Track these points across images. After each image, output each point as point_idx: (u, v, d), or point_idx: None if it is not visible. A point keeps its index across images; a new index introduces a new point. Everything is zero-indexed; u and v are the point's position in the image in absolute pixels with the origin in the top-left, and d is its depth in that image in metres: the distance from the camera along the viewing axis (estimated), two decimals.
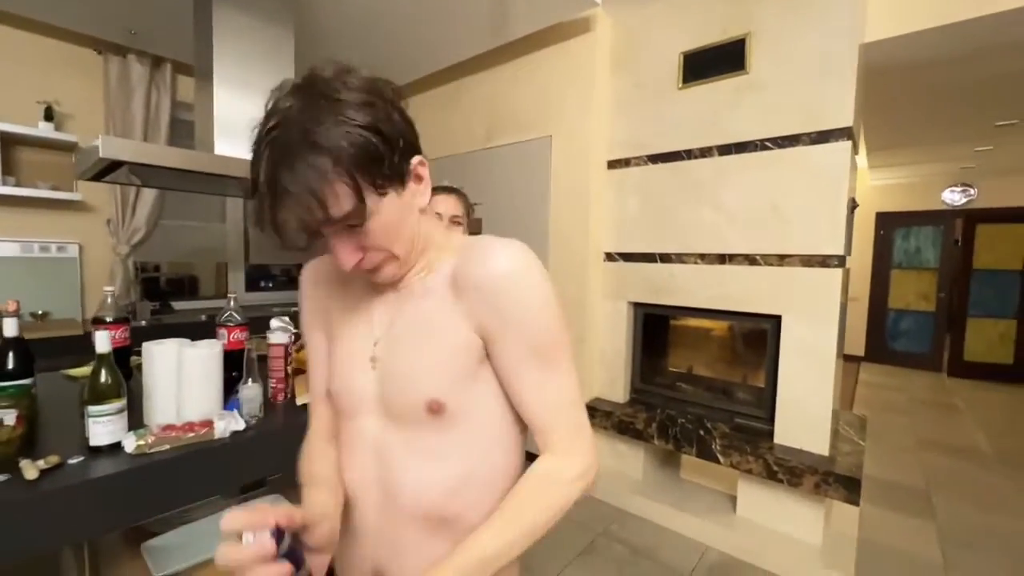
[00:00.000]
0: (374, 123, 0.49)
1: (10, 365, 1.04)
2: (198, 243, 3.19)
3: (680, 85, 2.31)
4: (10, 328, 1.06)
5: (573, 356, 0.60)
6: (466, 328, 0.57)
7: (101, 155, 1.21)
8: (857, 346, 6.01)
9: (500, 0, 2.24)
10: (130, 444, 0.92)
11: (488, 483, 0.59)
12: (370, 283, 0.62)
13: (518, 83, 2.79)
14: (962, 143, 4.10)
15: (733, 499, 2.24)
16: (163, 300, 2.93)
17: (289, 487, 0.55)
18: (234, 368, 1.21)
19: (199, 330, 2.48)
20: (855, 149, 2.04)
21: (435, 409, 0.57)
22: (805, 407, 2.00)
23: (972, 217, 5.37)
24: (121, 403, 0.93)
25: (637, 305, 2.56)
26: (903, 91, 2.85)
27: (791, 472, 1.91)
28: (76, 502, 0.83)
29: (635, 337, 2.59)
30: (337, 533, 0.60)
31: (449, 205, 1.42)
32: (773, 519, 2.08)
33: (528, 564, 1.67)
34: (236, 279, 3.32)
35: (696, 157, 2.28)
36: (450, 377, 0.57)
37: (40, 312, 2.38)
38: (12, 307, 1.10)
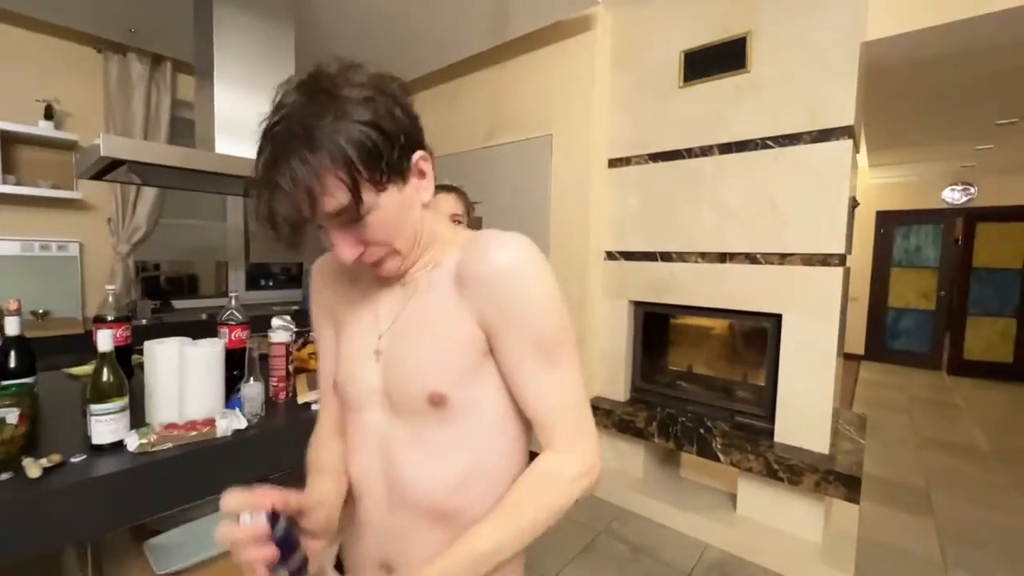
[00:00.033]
0: (374, 119, 0.49)
1: (12, 364, 1.05)
2: (198, 242, 3.19)
3: (681, 83, 2.31)
4: (12, 327, 1.07)
5: (577, 355, 0.59)
6: (469, 322, 0.57)
7: (102, 154, 1.21)
8: (857, 344, 6.02)
9: None
10: (133, 442, 0.92)
11: (491, 479, 0.59)
12: (377, 278, 0.63)
13: (519, 82, 2.79)
14: (963, 142, 4.09)
15: (733, 497, 2.25)
16: (163, 299, 2.93)
17: (292, 485, 0.56)
18: (235, 367, 1.21)
19: (200, 329, 2.47)
20: (856, 148, 2.04)
21: (437, 401, 0.57)
22: (805, 406, 2.00)
23: (972, 216, 5.37)
24: (123, 402, 0.93)
25: (638, 304, 2.56)
26: (904, 89, 2.85)
27: (791, 470, 1.91)
28: (79, 500, 0.83)
29: (635, 336, 2.59)
30: (335, 520, 0.61)
31: (449, 204, 1.43)
32: (773, 517, 2.08)
33: (529, 562, 1.67)
34: (236, 278, 3.32)
35: (697, 156, 2.28)
36: (452, 370, 0.57)
37: (41, 311, 2.38)
38: (14, 306, 1.10)
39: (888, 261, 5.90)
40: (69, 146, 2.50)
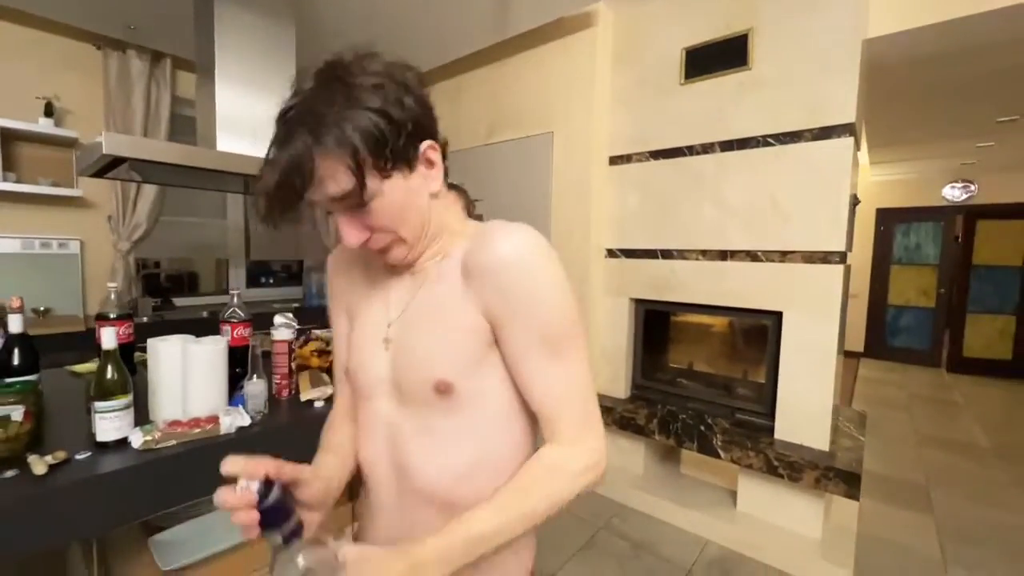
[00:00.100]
0: (382, 106, 0.50)
1: (16, 361, 1.05)
2: (199, 239, 3.19)
3: (682, 81, 2.30)
4: (15, 324, 1.07)
5: (586, 347, 0.59)
6: (474, 312, 0.57)
7: (104, 151, 1.20)
8: (857, 342, 6.03)
9: None
10: (137, 440, 0.93)
11: (497, 469, 0.59)
12: (389, 267, 0.64)
13: (520, 79, 2.79)
14: (963, 139, 4.09)
15: (733, 494, 2.26)
16: (164, 296, 2.93)
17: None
18: (238, 364, 1.22)
19: (200, 326, 2.47)
20: (857, 145, 2.04)
21: (443, 390, 0.57)
22: (806, 403, 2.01)
23: (972, 213, 5.37)
24: (127, 399, 0.94)
25: (638, 301, 2.57)
26: (904, 87, 2.85)
27: (791, 467, 1.92)
28: (84, 497, 0.83)
29: (636, 333, 2.59)
30: (332, 492, 0.63)
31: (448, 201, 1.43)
32: (773, 513, 2.09)
33: None
34: (237, 275, 3.32)
35: (698, 153, 2.28)
36: (459, 359, 0.57)
37: (42, 308, 2.38)
38: (16, 304, 1.10)
39: (888, 258, 5.90)
40: (69, 143, 2.49)
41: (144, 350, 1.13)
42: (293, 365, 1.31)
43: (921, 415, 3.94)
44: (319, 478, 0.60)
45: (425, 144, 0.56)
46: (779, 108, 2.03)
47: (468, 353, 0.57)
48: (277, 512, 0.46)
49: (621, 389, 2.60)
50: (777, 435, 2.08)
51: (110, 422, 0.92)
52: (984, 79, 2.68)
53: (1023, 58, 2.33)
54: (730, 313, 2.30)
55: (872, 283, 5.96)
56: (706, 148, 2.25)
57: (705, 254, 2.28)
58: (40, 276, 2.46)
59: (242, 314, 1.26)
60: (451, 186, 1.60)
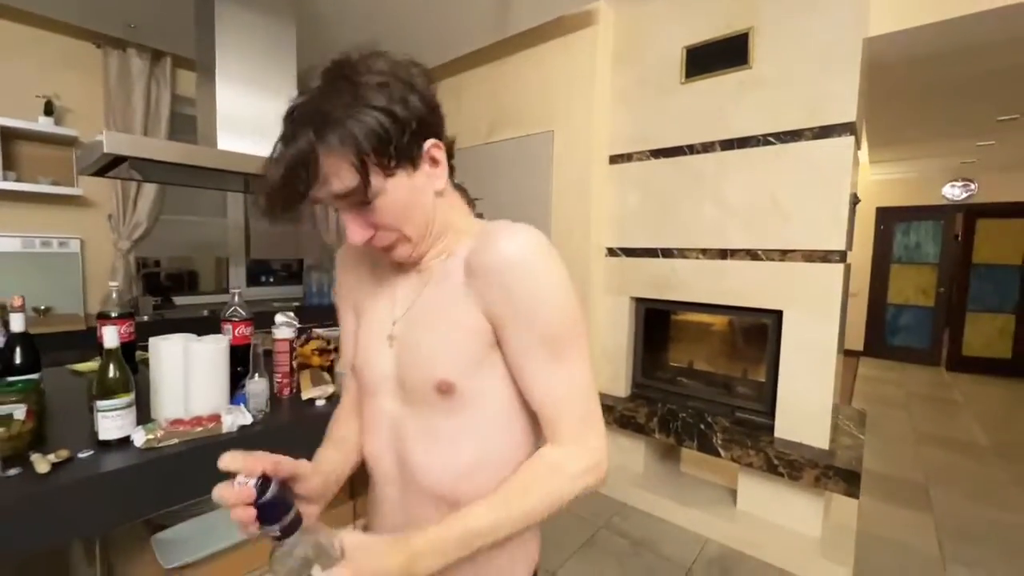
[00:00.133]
0: (387, 104, 0.50)
1: (18, 360, 1.05)
2: (199, 238, 3.18)
3: (683, 79, 2.30)
4: (17, 323, 1.07)
5: (588, 349, 0.59)
6: (476, 312, 0.57)
7: (106, 150, 1.21)
8: (856, 341, 6.03)
9: None
10: (139, 438, 0.93)
11: (499, 469, 0.60)
12: (396, 264, 0.64)
13: (520, 77, 2.78)
14: (963, 138, 4.09)
15: (733, 492, 2.26)
16: (164, 295, 2.93)
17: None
18: (239, 363, 1.22)
19: (201, 325, 2.48)
20: (857, 144, 2.04)
21: (445, 390, 0.57)
22: (806, 401, 2.01)
23: (972, 212, 5.37)
24: (129, 398, 0.94)
25: (639, 300, 2.57)
26: (904, 86, 2.85)
27: (791, 465, 1.93)
28: (87, 496, 0.84)
29: (637, 332, 2.60)
30: (330, 487, 0.63)
31: None
32: (773, 512, 2.10)
33: None
34: (237, 274, 3.32)
35: (698, 152, 2.28)
36: (460, 359, 0.58)
37: (42, 307, 2.38)
38: (18, 303, 1.10)
39: (888, 257, 5.90)
40: (69, 142, 2.49)
41: (145, 349, 1.13)
42: (294, 364, 1.31)
43: (920, 414, 3.94)
44: (318, 472, 0.61)
45: (429, 143, 0.56)
46: (779, 107, 2.03)
47: (470, 353, 0.57)
48: (275, 508, 0.47)
49: (621, 388, 2.61)
50: (777, 433, 2.08)
51: (112, 421, 0.92)
52: (984, 78, 2.68)
53: (1023, 57, 2.33)
54: (730, 312, 2.30)
55: (872, 282, 5.96)
56: (706, 147, 2.25)
57: (705, 253, 2.28)
58: (40, 275, 2.46)
59: (243, 313, 1.27)
60: (453, 185, 1.60)
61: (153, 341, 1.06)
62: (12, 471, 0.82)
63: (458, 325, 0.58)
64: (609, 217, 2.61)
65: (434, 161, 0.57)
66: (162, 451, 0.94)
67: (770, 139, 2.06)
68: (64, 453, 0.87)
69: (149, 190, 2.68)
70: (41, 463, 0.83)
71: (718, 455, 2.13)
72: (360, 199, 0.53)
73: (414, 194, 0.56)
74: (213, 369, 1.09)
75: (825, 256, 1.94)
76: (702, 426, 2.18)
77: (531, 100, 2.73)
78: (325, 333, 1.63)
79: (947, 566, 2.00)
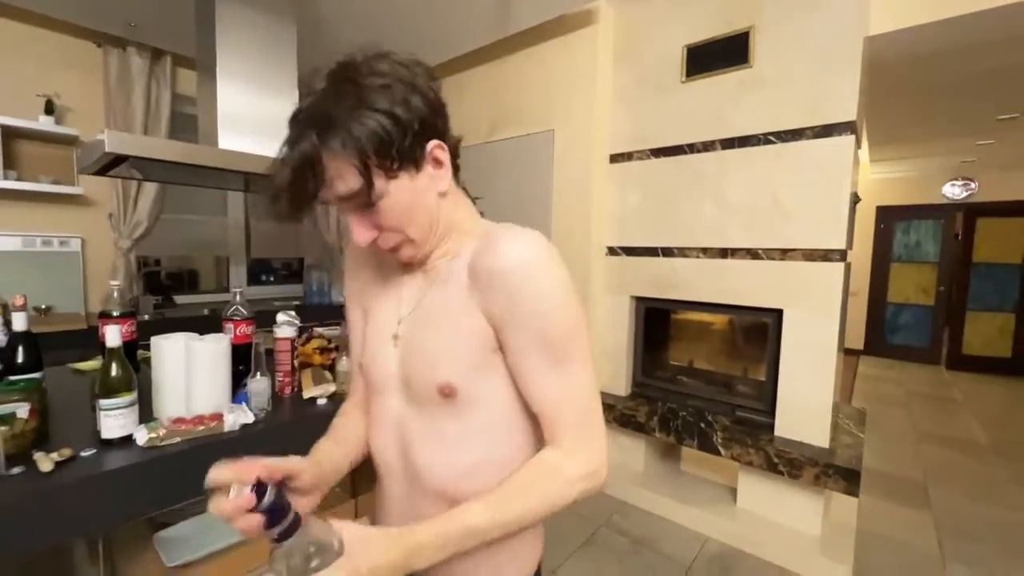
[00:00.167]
0: (389, 107, 0.50)
1: (20, 359, 1.05)
2: (199, 237, 3.18)
3: (683, 78, 2.30)
4: (19, 322, 1.07)
5: (590, 355, 0.59)
6: (478, 315, 0.57)
7: (107, 149, 1.21)
8: (856, 339, 6.04)
9: None
10: (142, 437, 0.93)
11: (500, 470, 0.60)
12: (403, 264, 0.65)
13: (521, 76, 2.78)
14: (964, 137, 4.09)
15: (733, 491, 2.27)
16: (165, 294, 2.93)
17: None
18: (240, 362, 1.22)
19: (202, 324, 2.48)
20: (858, 143, 2.04)
21: (447, 393, 0.58)
22: (806, 400, 2.02)
23: (972, 211, 5.38)
24: (132, 396, 0.94)
25: (639, 299, 2.57)
26: (904, 85, 2.84)
27: (791, 464, 1.93)
28: (90, 494, 0.84)
29: (637, 331, 2.60)
30: (324, 479, 0.62)
31: None
32: (773, 510, 2.10)
33: None
34: (238, 273, 3.32)
35: (699, 151, 2.28)
36: (463, 363, 0.58)
37: (43, 306, 2.38)
38: (20, 302, 1.10)
39: (888, 256, 5.91)
40: (70, 141, 2.49)
41: (146, 348, 1.13)
42: (296, 363, 1.31)
43: (920, 412, 3.95)
44: (313, 464, 0.60)
45: (432, 144, 0.56)
46: (780, 106, 2.03)
47: (472, 356, 0.58)
48: (274, 512, 0.46)
49: (622, 386, 2.61)
50: (777, 432, 2.09)
51: (115, 419, 0.92)
52: (984, 77, 2.68)
53: (1023, 56, 2.33)
54: (730, 311, 2.30)
55: (872, 281, 5.97)
56: (707, 146, 2.25)
57: (706, 252, 2.28)
58: (41, 274, 2.46)
59: (245, 312, 1.27)
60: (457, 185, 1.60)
61: (155, 340, 1.06)
62: (15, 469, 0.82)
63: (461, 328, 0.58)
64: (610, 216, 2.61)
65: (437, 162, 0.58)
66: (164, 450, 0.94)
67: (771, 138, 2.06)
68: (67, 452, 0.87)
69: (150, 189, 2.68)
70: (44, 462, 0.83)
71: (718, 454, 2.13)
72: (364, 201, 0.53)
73: (417, 196, 0.56)
74: (215, 368, 1.09)
75: (825, 255, 1.95)
76: (702, 425, 2.19)
77: (532, 99, 2.73)
78: (326, 332, 1.63)
79: (946, 564, 2.00)
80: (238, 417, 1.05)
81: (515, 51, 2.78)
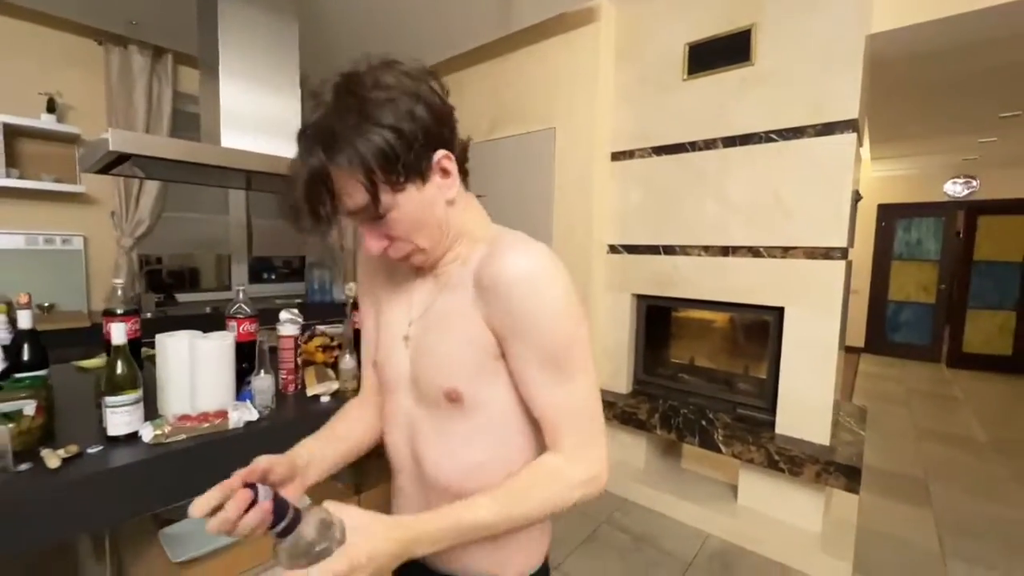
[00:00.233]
0: (393, 122, 0.51)
1: (26, 357, 1.06)
2: (201, 235, 3.19)
3: (685, 76, 2.30)
4: (24, 320, 1.08)
5: (592, 363, 0.60)
6: (482, 324, 0.58)
7: (111, 148, 1.21)
8: (857, 337, 6.04)
9: None
10: (148, 434, 0.94)
11: (505, 470, 0.61)
12: (414, 267, 0.66)
13: (522, 74, 2.78)
14: (966, 134, 4.09)
15: (734, 488, 2.27)
16: (167, 292, 2.94)
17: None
18: (244, 360, 1.23)
19: (204, 322, 2.48)
20: (859, 141, 2.04)
21: (453, 398, 0.60)
22: (807, 398, 2.02)
23: (974, 209, 5.37)
24: (137, 394, 0.95)
25: (640, 297, 2.57)
26: (907, 83, 2.84)
27: (792, 461, 1.94)
28: (96, 490, 0.85)
29: (638, 329, 2.60)
30: (299, 470, 0.62)
31: None
32: (774, 507, 2.11)
33: None
34: (239, 271, 3.33)
35: (700, 149, 2.28)
36: (468, 369, 0.59)
37: (46, 304, 2.39)
38: (24, 300, 1.11)
39: (889, 254, 5.90)
40: (72, 139, 2.49)
41: (150, 346, 1.14)
42: (299, 360, 1.32)
43: (921, 410, 3.95)
44: (286, 458, 0.60)
45: (439, 154, 0.56)
46: (782, 104, 2.03)
47: (477, 362, 0.59)
48: (273, 512, 0.47)
49: (623, 384, 2.62)
50: (778, 430, 2.09)
51: (121, 416, 0.93)
52: (986, 75, 2.67)
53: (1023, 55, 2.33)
54: (732, 309, 2.31)
55: (873, 279, 5.96)
56: (708, 144, 2.25)
57: (707, 250, 2.28)
58: (44, 272, 2.47)
59: (248, 310, 1.27)
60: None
61: (160, 338, 1.07)
62: (23, 466, 0.83)
63: (467, 335, 0.59)
64: (611, 214, 2.61)
65: (444, 172, 0.58)
66: (170, 447, 0.95)
67: (772, 136, 2.06)
68: (73, 448, 0.88)
69: (151, 187, 2.68)
70: (51, 458, 0.84)
71: (719, 451, 2.14)
72: (372, 215, 0.55)
73: (424, 207, 0.57)
74: (219, 366, 1.10)
75: (827, 253, 1.95)
76: (703, 422, 2.19)
77: (533, 97, 2.73)
78: (329, 330, 1.64)
79: (947, 561, 2.01)
80: (242, 414, 1.06)
81: (516, 49, 2.78)
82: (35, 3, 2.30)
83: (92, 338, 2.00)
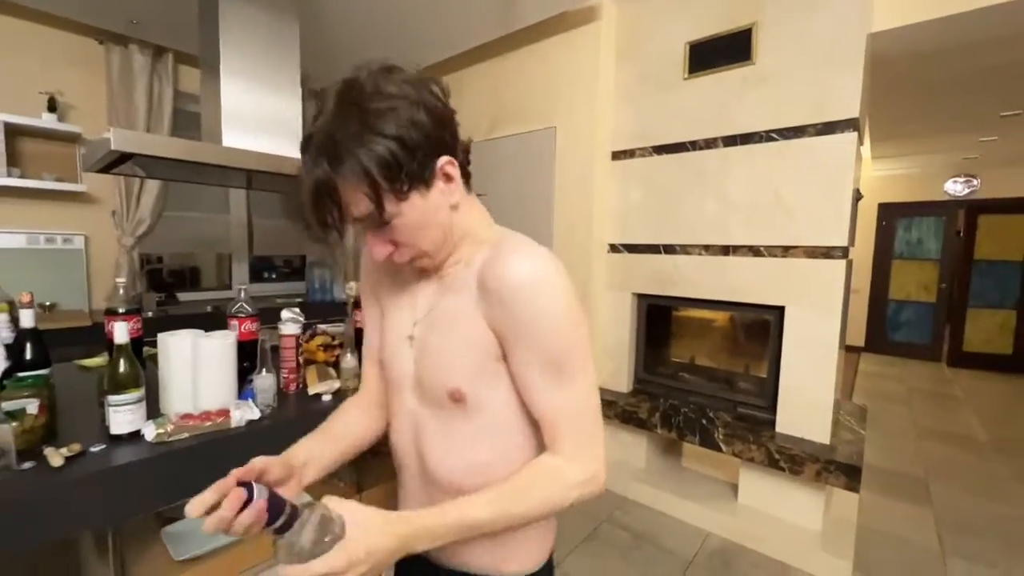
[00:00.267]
0: (395, 131, 0.51)
1: (28, 356, 1.06)
2: (202, 234, 3.19)
3: (685, 75, 2.30)
4: (27, 319, 1.08)
5: (592, 363, 0.61)
6: (484, 325, 0.59)
7: (113, 147, 1.21)
8: (857, 336, 6.04)
9: None
10: (150, 432, 0.94)
11: (507, 468, 0.61)
12: (418, 268, 0.66)
13: (523, 73, 2.78)
14: (966, 133, 4.08)
15: (734, 487, 2.28)
16: (167, 291, 2.94)
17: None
18: (246, 358, 1.23)
19: (205, 321, 2.49)
20: (860, 140, 2.04)
21: (457, 398, 0.61)
22: (807, 397, 2.03)
23: (974, 208, 5.36)
24: (140, 392, 0.95)
25: (641, 296, 2.58)
26: (908, 81, 2.84)
27: (792, 460, 1.94)
28: (100, 488, 0.85)
29: (639, 328, 2.60)
30: (295, 471, 0.62)
31: None
32: (774, 506, 2.11)
33: None
34: (240, 270, 3.33)
35: (701, 148, 2.28)
36: (470, 370, 0.60)
37: (47, 303, 2.39)
38: (27, 299, 1.11)
39: (889, 253, 5.90)
40: (73, 138, 2.49)
41: (152, 345, 1.14)
42: (300, 359, 1.32)
43: (921, 409, 3.96)
44: (283, 457, 0.61)
45: (442, 160, 0.57)
46: (782, 103, 2.03)
47: (479, 363, 0.60)
48: (269, 505, 0.47)
49: (623, 383, 2.62)
50: (778, 428, 2.09)
51: (123, 415, 0.93)
52: (987, 73, 2.67)
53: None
54: (732, 308, 2.31)
55: (873, 278, 5.96)
56: (709, 143, 2.25)
57: (708, 249, 2.28)
58: (45, 271, 2.47)
59: (250, 309, 1.28)
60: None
61: (162, 337, 1.07)
62: (26, 464, 0.83)
63: (469, 336, 0.60)
64: (611, 213, 2.61)
65: (448, 177, 0.58)
66: (172, 445, 0.95)
67: (773, 135, 2.06)
68: (76, 447, 0.88)
69: (152, 186, 2.68)
70: (54, 457, 0.84)
71: (719, 450, 2.14)
72: (377, 222, 0.56)
73: (428, 212, 0.58)
74: (221, 365, 1.10)
75: (827, 252, 1.95)
76: (704, 421, 2.20)
77: (533, 96, 2.73)
78: (330, 329, 1.64)
79: (947, 560, 2.02)
80: (244, 413, 1.06)
81: (517, 48, 2.78)
82: (36, 2, 2.30)
83: (93, 337, 2.00)
